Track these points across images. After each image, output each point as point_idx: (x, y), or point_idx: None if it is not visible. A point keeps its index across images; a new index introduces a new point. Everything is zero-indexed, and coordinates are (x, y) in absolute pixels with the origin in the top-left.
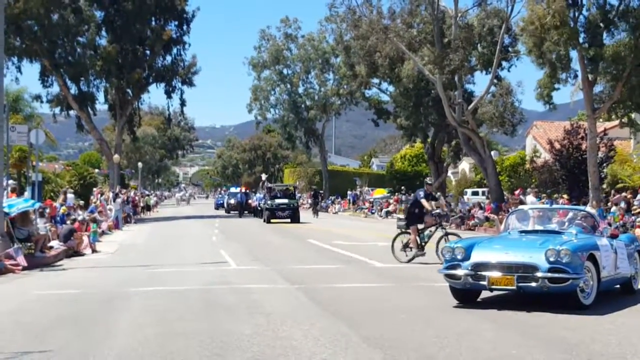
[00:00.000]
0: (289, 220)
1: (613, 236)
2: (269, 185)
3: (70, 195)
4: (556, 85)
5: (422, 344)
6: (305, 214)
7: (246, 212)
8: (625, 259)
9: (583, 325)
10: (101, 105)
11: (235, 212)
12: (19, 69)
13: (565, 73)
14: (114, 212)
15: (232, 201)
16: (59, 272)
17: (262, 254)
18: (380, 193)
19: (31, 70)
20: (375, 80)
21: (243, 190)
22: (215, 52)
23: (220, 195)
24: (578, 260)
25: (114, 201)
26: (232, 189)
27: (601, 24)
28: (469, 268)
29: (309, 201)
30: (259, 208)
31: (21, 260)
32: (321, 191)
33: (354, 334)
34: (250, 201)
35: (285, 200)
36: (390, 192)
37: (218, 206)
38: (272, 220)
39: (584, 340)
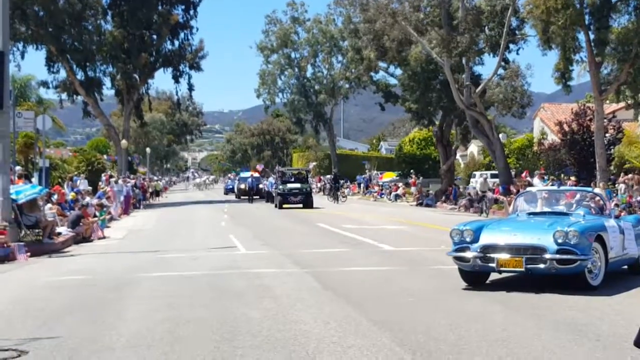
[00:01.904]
0: (301, 205)
1: (617, 217)
2: (281, 169)
3: (83, 181)
4: (571, 67)
5: (431, 326)
6: (316, 199)
7: (257, 197)
8: (632, 240)
9: (591, 306)
10: (108, 91)
11: (246, 197)
12: (22, 55)
13: (579, 54)
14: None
15: (243, 186)
16: (67, 259)
17: (271, 239)
18: (389, 176)
19: (37, 57)
20: (383, 64)
21: (253, 174)
22: (223, 37)
23: (230, 180)
24: (586, 242)
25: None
26: (243, 174)
27: (605, 7)
28: (478, 250)
29: (327, 185)
30: (271, 193)
31: (22, 257)
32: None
33: (363, 317)
34: (261, 186)
35: (298, 185)
36: (399, 175)
37: (228, 191)
38: (284, 206)
39: (592, 321)
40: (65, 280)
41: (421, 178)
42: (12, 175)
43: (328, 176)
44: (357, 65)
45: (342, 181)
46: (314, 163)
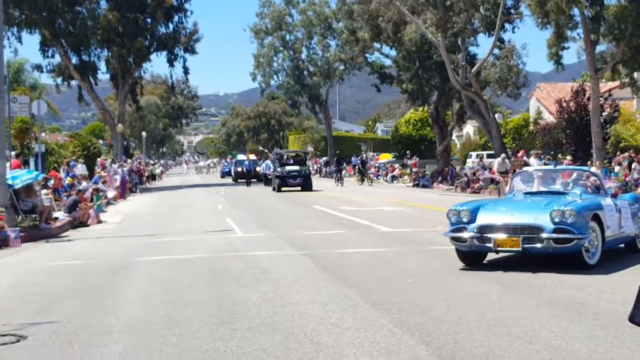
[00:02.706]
0: (299, 188)
1: (615, 196)
2: (278, 151)
3: (80, 166)
4: (565, 45)
5: (429, 307)
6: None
7: (254, 180)
8: (629, 218)
9: (588, 284)
10: (103, 75)
11: (243, 180)
12: (19, 39)
13: (573, 31)
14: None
15: (240, 169)
16: (64, 243)
17: (268, 221)
18: (385, 158)
19: (31, 41)
20: (378, 45)
21: (250, 157)
22: (217, 19)
23: (226, 163)
24: (582, 221)
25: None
26: (239, 156)
27: None
28: (475, 230)
29: (331, 168)
30: (268, 176)
31: (16, 243)
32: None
33: (361, 299)
34: (258, 169)
35: (297, 167)
36: (395, 156)
37: (224, 174)
38: (282, 189)
39: (590, 299)
40: (62, 265)
41: (417, 159)
42: (9, 160)
43: (324, 158)
44: (351, 46)
45: (345, 164)
46: (312, 147)
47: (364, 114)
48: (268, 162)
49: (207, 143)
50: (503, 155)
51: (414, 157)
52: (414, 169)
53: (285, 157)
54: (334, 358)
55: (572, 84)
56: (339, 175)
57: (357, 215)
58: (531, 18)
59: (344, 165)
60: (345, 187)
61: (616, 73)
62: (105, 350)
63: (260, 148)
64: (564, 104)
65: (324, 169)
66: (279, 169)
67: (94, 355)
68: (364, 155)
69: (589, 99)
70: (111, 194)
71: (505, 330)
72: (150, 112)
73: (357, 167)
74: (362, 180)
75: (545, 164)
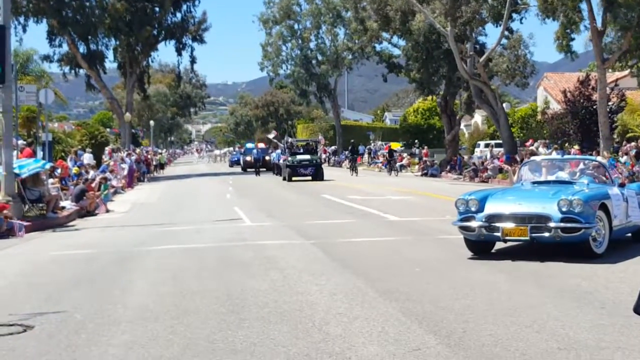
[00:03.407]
0: (310, 178)
1: (622, 185)
2: (289, 139)
3: (87, 155)
4: (573, 35)
5: (437, 296)
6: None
7: (264, 169)
8: (636, 208)
9: (595, 274)
10: (111, 64)
11: (252, 169)
12: (24, 28)
13: (580, 22)
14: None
15: (249, 158)
16: (72, 233)
17: (276, 211)
18: (394, 147)
19: (38, 30)
20: (387, 35)
21: (260, 146)
22: (226, 8)
23: (235, 152)
24: (590, 210)
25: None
26: (248, 145)
27: None
28: (483, 220)
29: (340, 157)
30: (278, 165)
31: (21, 234)
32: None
33: (369, 288)
34: (267, 158)
35: (307, 156)
36: (404, 145)
37: (233, 163)
38: (293, 178)
39: (597, 288)
40: (69, 255)
41: (426, 148)
42: (16, 149)
43: (332, 147)
44: (360, 36)
45: (358, 153)
46: (321, 136)
47: (372, 103)
48: (278, 151)
49: (215, 132)
50: (538, 144)
51: (424, 147)
52: (425, 159)
53: (295, 146)
54: (342, 347)
55: (579, 74)
56: (353, 164)
57: (365, 204)
58: (537, 9)
59: (358, 154)
60: (361, 177)
61: (623, 62)
62: (112, 340)
63: (271, 137)
64: (569, 94)
65: (332, 158)
66: (289, 158)
67: (101, 344)
68: (352, 142)
69: (593, 88)
70: (115, 182)
71: (512, 320)
72: (159, 100)
73: (347, 156)
74: (355, 169)
75: (554, 153)
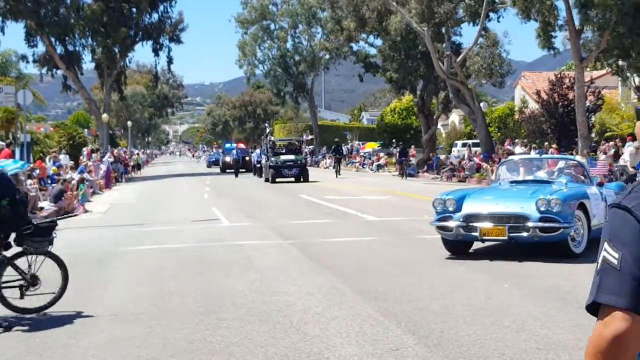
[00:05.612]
0: (294, 179)
1: (600, 184)
2: (272, 139)
3: (62, 156)
4: (553, 33)
5: (415, 296)
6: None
7: (243, 170)
8: None
9: (574, 273)
10: (88, 65)
11: (231, 170)
12: (2, 30)
13: (556, 22)
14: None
15: (228, 159)
16: None
17: (254, 211)
18: (371, 147)
19: (16, 31)
20: (363, 35)
21: (240, 146)
22: (203, 9)
23: (213, 152)
24: (568, 209)
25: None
26: (228, 145)
27: None
28: (461, 219)
29: (317, 157)
30: (259, 166)
31: None
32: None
33: (347, 288)
34: (247, 158)
35: (292, 157)
36: (381, 145)
37: (210, 164)
38: (277, 180)
39: (576, 288)
40: None
41: (412, 147)
42: None
43: (309, 147)
44: (337, 35)
45: (343, 153)
46: (306, 135)
47: (349, 103)
48: (258, 151)
49: (192, 132)
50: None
51: (412, 147)
52: (412, 159)
53: (278, 145)
54: (320, 347)
55: (556, 72)
56: (338, 165)
57: (344, 204)
58: (515, 8)
59: (343, 154)
60: (345, 178)
61: (601, 61)
62: (91, 338)
63: (267, 132)
64: (543, 94)
65: (309, 158)
66: (272, 159)
67: (80, 344)
68: (336, 142)
69: (568, 87)
70: (94, 184)
71: (492, 320)
72: (136, 101)
73: (331, 157)
74: (338, 171)
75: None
